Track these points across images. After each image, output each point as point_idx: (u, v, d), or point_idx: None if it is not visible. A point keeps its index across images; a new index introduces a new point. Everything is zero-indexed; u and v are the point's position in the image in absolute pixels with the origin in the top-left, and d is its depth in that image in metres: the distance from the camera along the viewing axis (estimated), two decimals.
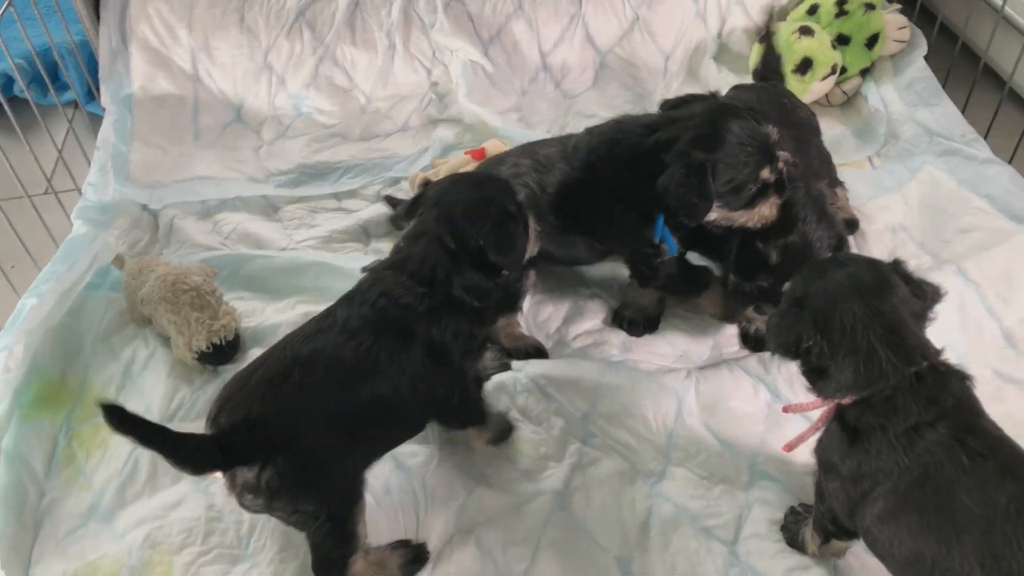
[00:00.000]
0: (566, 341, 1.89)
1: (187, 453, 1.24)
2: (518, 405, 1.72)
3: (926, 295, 1.28)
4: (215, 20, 2.51)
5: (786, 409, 1.40)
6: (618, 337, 1.88)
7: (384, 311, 1.39)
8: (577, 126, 2.43)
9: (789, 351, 1.28)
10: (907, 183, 2.09)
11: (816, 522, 1.43)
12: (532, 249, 1.56)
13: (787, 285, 1.34)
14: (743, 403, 1.71)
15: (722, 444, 1.66)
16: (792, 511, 1.54)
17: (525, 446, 1.66)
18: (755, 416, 1.69)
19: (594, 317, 1.92)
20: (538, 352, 1.83)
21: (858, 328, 1.21)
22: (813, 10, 2.47)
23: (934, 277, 1.82)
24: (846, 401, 1.25)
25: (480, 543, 1.52)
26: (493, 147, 2.24)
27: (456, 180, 1.59)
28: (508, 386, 1.75)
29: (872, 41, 2.41)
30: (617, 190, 1.68)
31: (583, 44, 2.55)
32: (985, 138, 2.18)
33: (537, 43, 2.54)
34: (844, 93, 2.45)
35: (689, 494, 1.59)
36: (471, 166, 2.20)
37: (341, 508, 1.38)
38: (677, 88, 2.56)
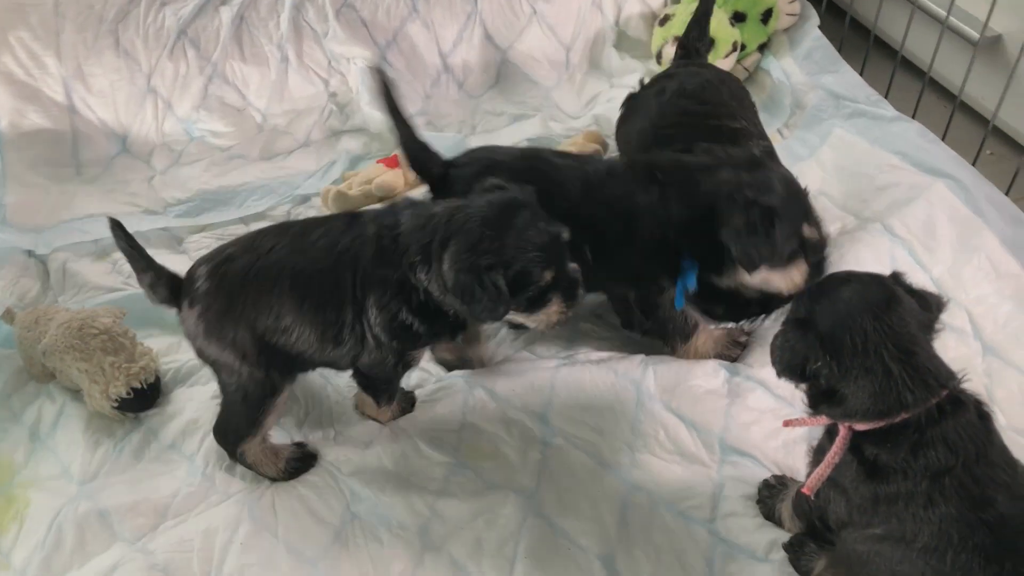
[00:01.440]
0: (508, 339, 1.82)
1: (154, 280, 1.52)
2: (471, 413, 1.65)
3: (931, 306, 1.22)
4: (87, 45, 2.33)
5: (787, 423, 1.32)
6: (562, 330, 1.82)
7: (367, 252, 1.43)
8: (486, 125, 2.40)
9: (795, 373, 1.19)
10: (820, 148, 2.12)
11: (797, 507, 1.40)
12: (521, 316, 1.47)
13: (790, 305, 1.26)
14: (703, 380, 1.67)
15: (687, 424, 1.62)
16: (766, 484, 1.52)
17: (486, 453, 1.58)
18: (717, 392, 1.66)
19: None
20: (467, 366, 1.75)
21: (870, 347, 1.13)
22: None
23: (861, 237, 1.89)
24: (860, 427, 1.17)
25: (453, 559, 1.44)
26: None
27: (507, 204, 1.42)
28: (461, 394, 1.67)
29: (767, 16, 2.46)
30: (668, 229, 1.53)
31: (482, 43, 2.49)
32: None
33: (436, 44, 2.47)
34: (745, 69, 2.48)
35: (661, 480, 1.55)
36: (385, 175, 2.11)
37: (256, 387, 1.49)
38: (581, 80, 2.54)
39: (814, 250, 1.52)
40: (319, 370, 1.63)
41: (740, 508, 1.50)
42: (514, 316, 1.47)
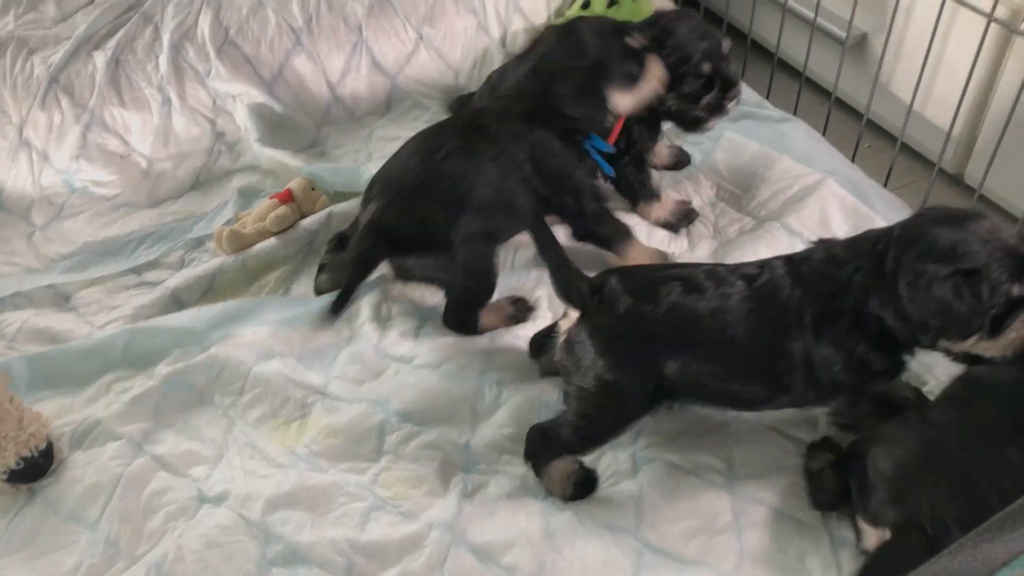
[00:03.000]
0: (410, 359, 1.80)
1: None
2: (387, 446, 1.62)
3: None
4: None
5: None
6: (476, 342, 1.81)
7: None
8: (382, 151, 2.36)
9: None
10: (713, 152, 2.17)
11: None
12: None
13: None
14: None
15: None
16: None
17: (402, 487, 1.55)
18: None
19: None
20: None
21: None
22: (586, 4, 2.54)
23: (760, 236, 1.94)
24: None
25: None
26: (298, 186, 2.12)
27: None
28: (375, 427, 1.64)
29: None
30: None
31: (371, 70, 2.47)
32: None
33: (323, 76, 2.44)
34: None
35: None
36: (278, 209, 2.06)
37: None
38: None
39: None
40: None
41: (660, 500, 1.51)
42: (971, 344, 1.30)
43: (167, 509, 1.53)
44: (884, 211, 1.91)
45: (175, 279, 1.99)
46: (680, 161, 2.18)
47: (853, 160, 2.17)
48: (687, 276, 1.43)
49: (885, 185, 2.07)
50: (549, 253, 1.43)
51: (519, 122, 1.78)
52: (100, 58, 2.32)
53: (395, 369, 1.79)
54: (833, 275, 1.36)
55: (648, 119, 1.97)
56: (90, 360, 1.79)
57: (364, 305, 1.89)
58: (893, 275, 1.29)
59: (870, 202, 1.93)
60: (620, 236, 1.88)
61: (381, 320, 1.87)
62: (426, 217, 1.72)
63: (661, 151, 2.16)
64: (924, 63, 1.91)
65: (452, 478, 1.57)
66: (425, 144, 1.79)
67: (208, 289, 1.97)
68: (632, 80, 1.81)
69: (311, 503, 1.52)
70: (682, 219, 2.03)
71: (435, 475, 1.57)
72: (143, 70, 2.33)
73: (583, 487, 1.52)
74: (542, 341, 1.69)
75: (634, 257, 1.86)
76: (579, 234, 1.89)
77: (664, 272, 1.47)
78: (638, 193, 2.02)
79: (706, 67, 1.89)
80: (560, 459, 1.51)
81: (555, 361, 1.53)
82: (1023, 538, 0.82)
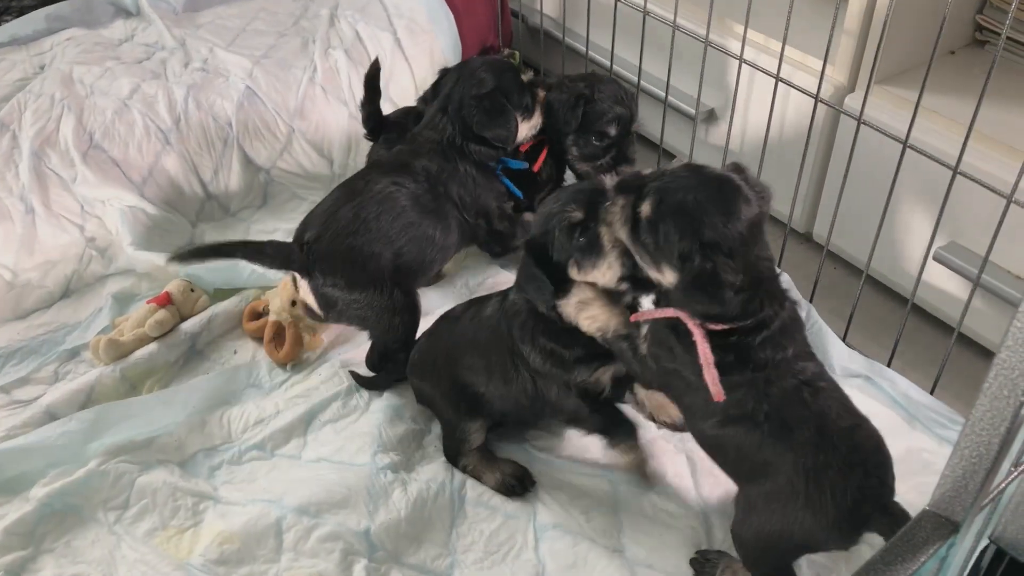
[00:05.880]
0: (299, 455, 1.78)
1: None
2: (286, 544, 1.60)
3: (766, 196, 1.32)
4: None
5: (634, 317, 1.40)
6: (364, 425, 1.82)
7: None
8: None
9: (674, 264, 1.26)
10: None
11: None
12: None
13: (645, 207, 1.29)
14: None
15: (504, 514, 1.66)
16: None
17: None
18: None
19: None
20: None
21: (751, 257, 1.25)
22: None
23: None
24: (715, 327, 1.28)
25: None
26: (177, 288, 2.10)
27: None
28: (272, 526, 1.61)
29: None
30: None
31: (244, 165, 2.47)
32: None
33: (195, 175, 2.42)
34: None
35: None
36: (157, 314, 2.02)
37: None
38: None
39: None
40: None
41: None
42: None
43: None
44: None
45: (50, 395, 1.91)
46: None
47: None
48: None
49: None
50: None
51: (439, 156, 1.93)
52: None
53: (286, 465, 1.77)
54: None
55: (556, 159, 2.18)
56: None
57: (250, 407, 1.87)
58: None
59: None
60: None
61: (265, 421, 1.86)
62: (354, 251, 1.80)
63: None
64: (766, 136, 2.08)
65: (355, 567, 1.57)
66: (353, 185, 1.90)
67: (86, 402, 1.90)
68: (527, 110, 2.02)
69: None
70: None
71: (337, 568, 1.56)
72: (2, 180, 2.26)
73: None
74: None
75: None
76: (495, 253, 2.18)
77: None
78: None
79: (612, 130, 2.08)
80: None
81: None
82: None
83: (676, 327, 1.31)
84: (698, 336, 1.27)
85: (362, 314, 1.84)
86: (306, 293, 1.85)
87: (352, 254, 1.80)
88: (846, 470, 1.28)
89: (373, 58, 2.14)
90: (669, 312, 1.31)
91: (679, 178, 1.28)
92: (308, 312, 1.92)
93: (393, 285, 1.82)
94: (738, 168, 1.33)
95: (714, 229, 1.23)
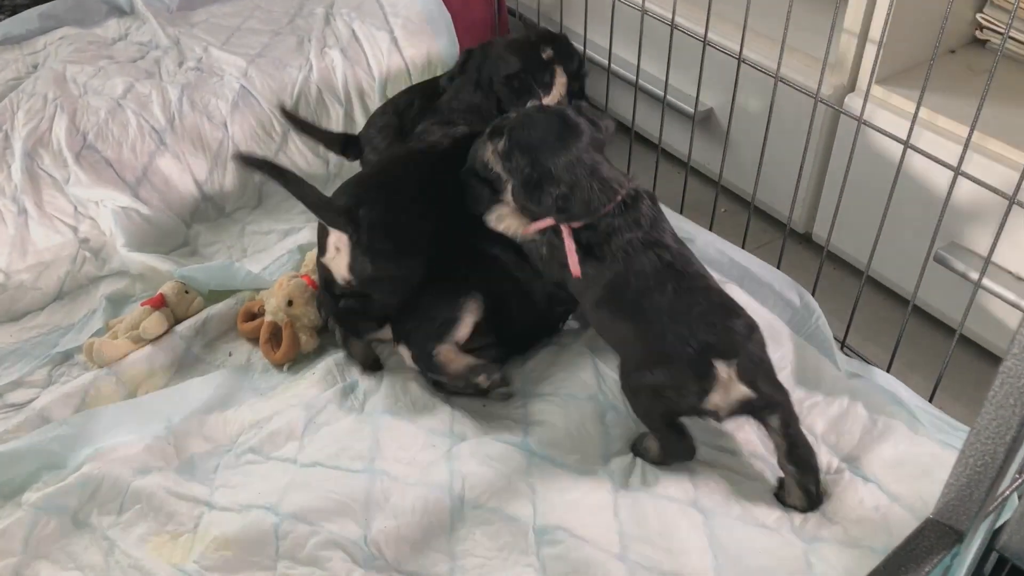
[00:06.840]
0: (294, 459, 1.76)
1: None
2: (283, 551, 1.58)
3: (601, 128, 1.69)
4: None
5: (526, 231, 1.70)
6: (362, 430, 1.79)
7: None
8: (256, 245, 2.36)
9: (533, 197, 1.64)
10: None
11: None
12: None
13: (500, 144, 1.67)
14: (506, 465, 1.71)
15: (504, 517, 1.64)
16: None
17: None
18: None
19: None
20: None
21: (578, 172, 1.62)
22: None
23: None
24: (576, 225, 1.63)
25: None
26: (171, 290, 2.08)
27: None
28: (269, 532, 1.59)
29: None
30: None
31: (238, 166, 2.45)
32: None
33: (190, 175, 2.40)
34: None
35: None
36: (151, 316, 2.01)
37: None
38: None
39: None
40: None
41: None
42: None
43: None
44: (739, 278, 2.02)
45: (43, 398, 1.90)
46: None
47: (711, 223, 2.30)
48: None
49: (743, 247, 2.21)
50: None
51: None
52: None
53: (283, 469, 1.76)
54: None
55: None
56: None
57: (245, 410, 1.85)
58: None
59: (734, 264, 2.05)
60: None
61: (261, 423, 1.84)
62: (407, 217, 1.83)
63: None
64: (765, 136, 2.07)
65: (353, 575, 1.54)
66: (403, 164, 1.96)
67: (80, 406, 1.88)
68: (548, 87, 2.13)
69: None
70: None
71: None
72: None
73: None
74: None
75: None
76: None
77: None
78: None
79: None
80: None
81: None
82: None
83: (556, 230, 1.66)
84: (565, 232, 1.64)
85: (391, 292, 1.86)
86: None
87: (403, 215, 1.83)
88: (693, 321, 1.52)
89: (369, 56, 2.13)
90: (549, 221, 1.66)
91: (525, 118, 1.70)
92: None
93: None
94: (577, 108, 1.72)
95: (542, 151, 1.63)
